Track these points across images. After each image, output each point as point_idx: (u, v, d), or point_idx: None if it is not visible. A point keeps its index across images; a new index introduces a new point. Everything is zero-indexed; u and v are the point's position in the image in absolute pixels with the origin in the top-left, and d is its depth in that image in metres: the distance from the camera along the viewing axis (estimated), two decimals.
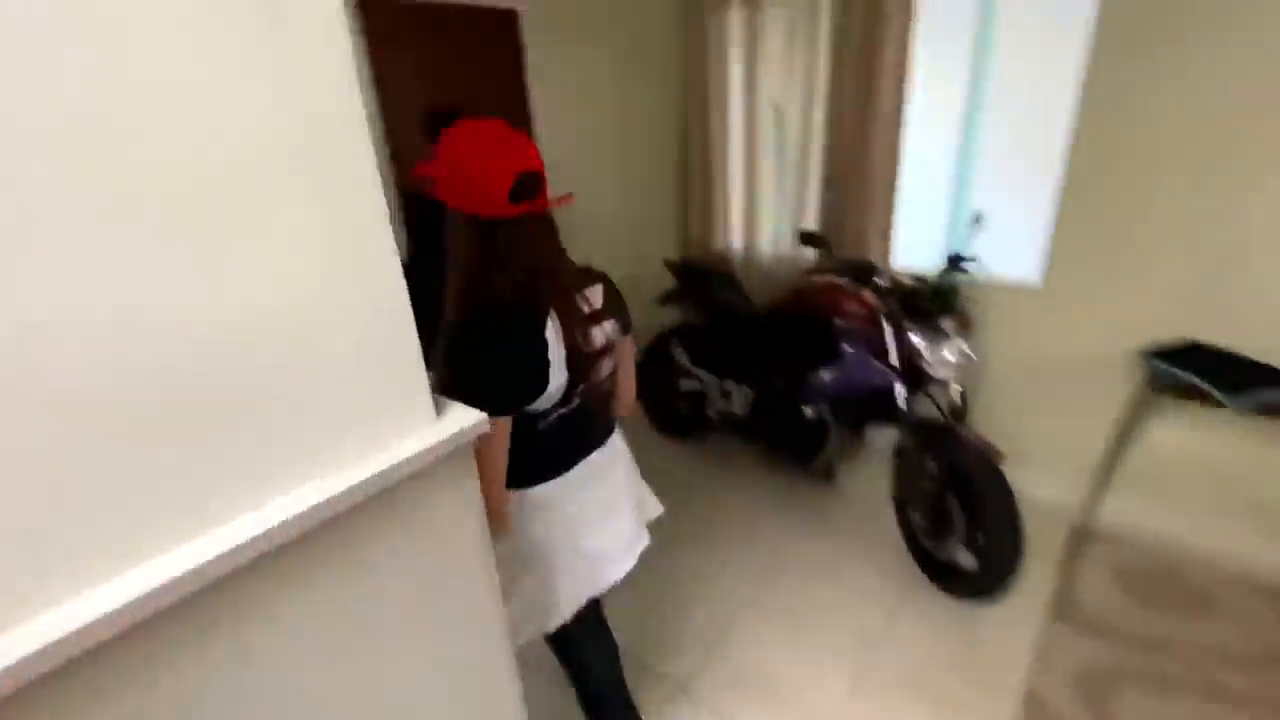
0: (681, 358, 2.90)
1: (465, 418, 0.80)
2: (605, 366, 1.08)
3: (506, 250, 0.93)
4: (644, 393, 3.13)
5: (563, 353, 0.96)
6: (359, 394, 0.71)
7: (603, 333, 1.06)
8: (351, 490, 0.67)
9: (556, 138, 3.06)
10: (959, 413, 2.07)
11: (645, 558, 1.24)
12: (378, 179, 0.69)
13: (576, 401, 1.03)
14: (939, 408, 2.15)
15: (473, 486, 0.85)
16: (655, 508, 1.34)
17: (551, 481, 1.05)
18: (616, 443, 1.20)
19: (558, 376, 0.96)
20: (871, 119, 2.37)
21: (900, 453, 2.11)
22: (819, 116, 2.55)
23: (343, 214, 0.66)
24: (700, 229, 3.12)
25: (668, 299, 2.93)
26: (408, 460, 0.71)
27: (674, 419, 3.05)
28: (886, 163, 2.41)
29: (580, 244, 3.27)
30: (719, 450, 2.97)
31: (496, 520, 0.94)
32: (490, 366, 0.91)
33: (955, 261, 2.17)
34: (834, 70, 2.44)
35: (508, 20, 2.74)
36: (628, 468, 1.25)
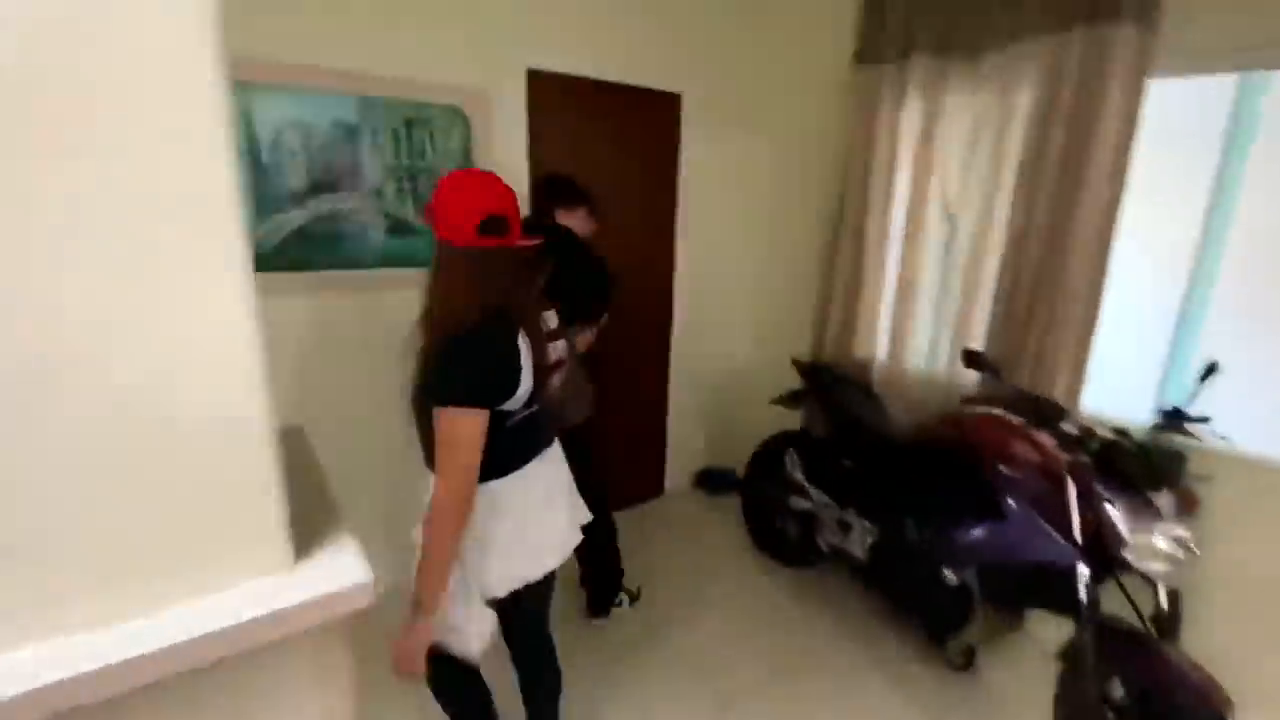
0: (795, 470, 2.54)
1: (339, 573, 0.52)
2: (557, 378, 1.26)
3: (471, 275, 1.09)
4: (746, 501, 2.79)
5: (531, 363, 1.13)
6: (160, 505, 0.45)
7: (556, 350, 1.25)
8: (131, 663, 0.41)
9: (702, 218, 2.96)
10: (1167, 624, 1.52)
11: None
12: (246, 248, 0.48)
13: (536, 406, 1.20)
14: (1136, 609, 1.60)
15: (342, 682, 0.57)
16: (585, 514, 1.43)
17: (510, 476, 1.19)
18: (557, 449, 1.35)
19: (526, 381, 1.13)
20: (1070, 237, 1.98)
21: (1072, 657, 1.58)
22: (1000, 226, 2.19)
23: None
24: (840, 331, 2.81)
25: (789, 400, 2.62)
26: (239, 627, 0.44)
27: (776, 539, 2.65)
28: (1086, 289, 1.98)
29: (708, 323, 3.12)
30: (826, 586, 2.51)
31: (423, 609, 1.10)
32: (474, 366, 1.07)
33: (1174, 417, 1.67)
34: (1025, 178, 2.11)
35: (668, 102, 2.73)
36: (565, 472, 1.38)
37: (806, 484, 2.47)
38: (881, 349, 2.66)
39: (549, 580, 1.33)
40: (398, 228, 2.13)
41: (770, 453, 2.67)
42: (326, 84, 1.90)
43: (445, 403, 1.04)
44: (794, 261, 3.05)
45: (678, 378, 3.11)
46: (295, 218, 1.94)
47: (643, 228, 2.80)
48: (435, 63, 2.09)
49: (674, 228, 2.90)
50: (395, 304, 2.18)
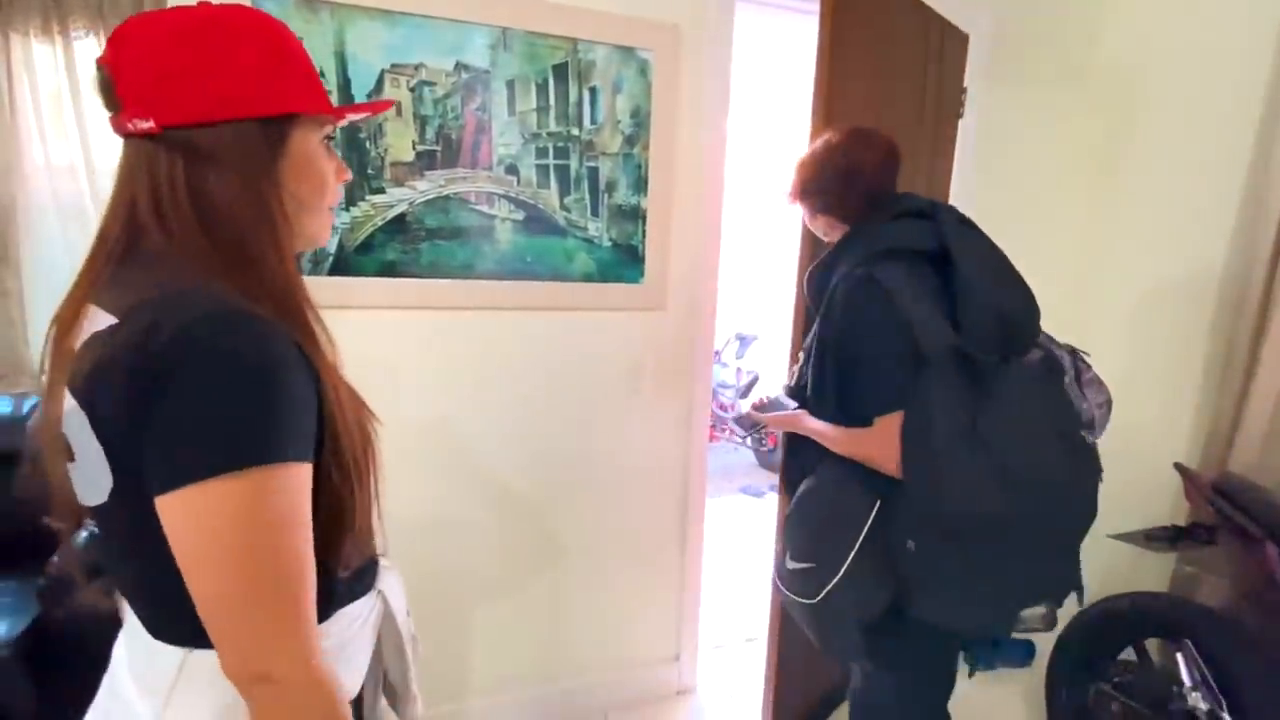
0: (1190, 665, 1.37)
1: None
2: None
3: None
4: (1056, 701, 1.62)
5: None
6: None
7: None
8: None
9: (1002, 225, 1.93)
10: None
11: None
12: None
13: None
14: None
15: None
16: None
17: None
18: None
19: None
20: None
21: None
22: None
23: None
24: (1235, 422, 1.58)
25: (1159, 539, 1.48)
26: None
27: None
28: None
29: None
30: None
31: None
32: None
33: None
34: None
35: (951, 44, 1.80)
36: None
37: (1205, 686, 1.30)
38: None
39: None
40: (536, 222, 1.47)
41: (1110, 627, 1.52)
42: (446, 8, 1.32)
43: None
44: (1170, 316, 1.85)
45: None
46: (396, 202, 1.36)
47: None
48: None
49: None
50: (523, 330, 1.51)
